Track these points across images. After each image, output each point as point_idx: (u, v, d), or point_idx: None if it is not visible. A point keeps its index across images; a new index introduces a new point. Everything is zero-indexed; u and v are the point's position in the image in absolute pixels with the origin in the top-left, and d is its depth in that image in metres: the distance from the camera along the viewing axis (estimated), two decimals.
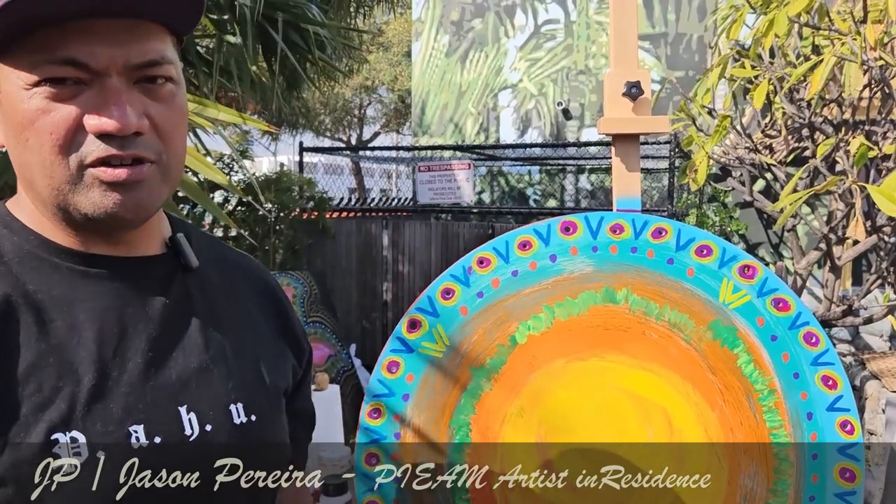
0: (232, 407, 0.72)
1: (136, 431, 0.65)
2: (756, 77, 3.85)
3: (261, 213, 4.48)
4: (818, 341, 1.18)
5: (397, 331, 1.22)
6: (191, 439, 0.68)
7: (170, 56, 0.68)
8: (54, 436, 0.62)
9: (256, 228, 4.54)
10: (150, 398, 0.67)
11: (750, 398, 1.19)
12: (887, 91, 3.86)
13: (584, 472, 1.21)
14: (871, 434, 3.58)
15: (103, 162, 0.64)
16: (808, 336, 1.19)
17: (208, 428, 0.70)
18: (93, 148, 0.64)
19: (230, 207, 4.54)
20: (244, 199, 4.49)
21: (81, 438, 0.62)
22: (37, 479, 0.60)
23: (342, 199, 5.44)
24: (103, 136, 0.63)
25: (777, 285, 1.19)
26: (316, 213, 4.86)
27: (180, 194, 3.78)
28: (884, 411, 3.25)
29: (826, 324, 4.23)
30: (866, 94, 3.94)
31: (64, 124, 0.63)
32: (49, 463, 0.61)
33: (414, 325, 1.21)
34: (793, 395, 1.18)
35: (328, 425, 1.97)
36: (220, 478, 0.70)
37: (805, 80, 3.69)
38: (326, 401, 2.15)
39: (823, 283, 4.35)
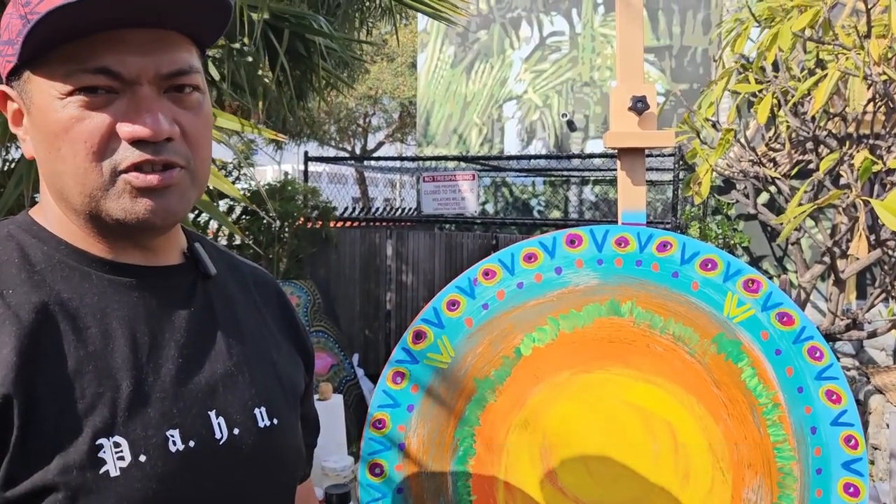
0: (256, 411, 0.75)
1: (172, 436, 0.67)
2: (760, 91, 3.86)
3: (265, 221, 4.49)
4: (822, 356, 1.19)
5: (402, 342, 1.22)
6: (221, 443, 0.70)
7: (196, 66, 0.71)
8: (99, 441, 0.63)
9: (260, 237, 4.55)
10: (183, 403, 0.69)
11: (754, 412, 1.19)
12: (891, 105, 3.87)
13: (588, 484, 1.21)
14: (876, 449, 3.57)
15: (136, 168, 0.66)
16: (812, 350, 1.19)
17: (236, 431, 0.72)
18: (127, 154, 0.66)
19: (234, 216, 4.55)
20: (249, 208, 4.51)
21: (124, 443, 0.64)
22: (84, 484, 0.61)
23: (346, 208, 5.45)
24: (136, 143, 0.65)
25: (781, 299, 1.19)
26: (321, 223, 4.87)
27: None
28: (888, 426, 3.24)
29: (830, 338, 4.23)
30: (870, 108, 3.95)
31: (98, 132, 0.65)
32: (96, 468, 0.62)
33: (419, 336, 1.22)
34: (797, 409, 1.19)
35: (331, 435, 1.97)
36: (247, 480, 0.72)
37: (809, 94, 3.70)
38: (330, 410, 2.16)
39: (827, 296, 4.35)
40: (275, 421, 0.76)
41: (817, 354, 1.19)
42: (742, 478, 1.20)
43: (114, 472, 0.63)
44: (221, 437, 0.70)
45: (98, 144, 0.65)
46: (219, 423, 0.71)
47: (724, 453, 1.20)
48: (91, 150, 0.65)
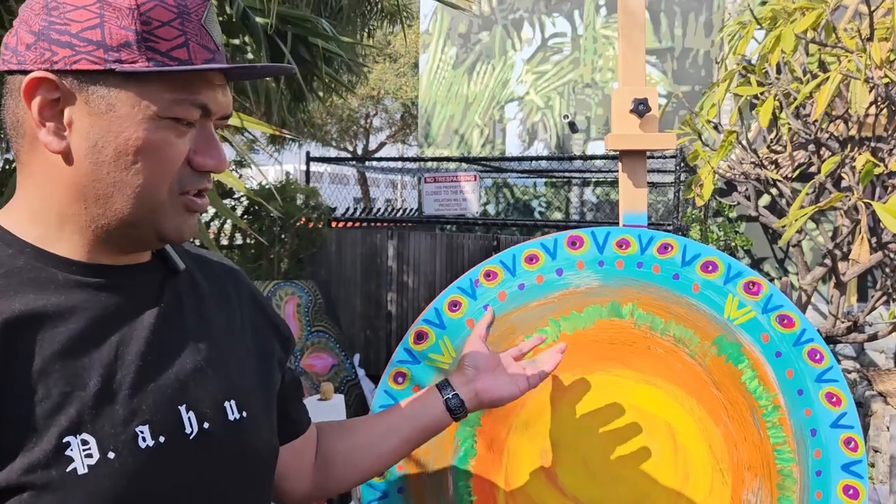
0: (226, 404, 0.76)
1: (142, 432, 0.68)
2: (762, 93, 3.86)
3: (267, 221, 4.50)
4: (822, 358, 1.19)
5: (404, 342, 1.23)
6: (191, 437, 0.71)
7: None
8: (66, 439, 0.63)
9: (262, 239, 4.56)
10: (152, 399, 0.70)
11: (754, 414, 1.20)
12: (893, 108, 3.87)
13: (588, 486, 1.21)
14: (876, 451, 3.57)
15: (198, 192, 0.74)
16: (812, 353, 1.19)
17: (206, 425, 0.73)
18: (196, 180, 0.73)
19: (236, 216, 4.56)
20: (250, 208, 4.52)
21: (92, 440, 0.65)
22: (51, 482, 0.62)
23: (348, 208, 5.46)
24: (203, 171, 0.73)
25: (782, 302, 1.20)
26: (322, 224, 4.88)
27: None
28: (888, 429, 3.24)
29: (831, 340, 4.23)
30: (872, 110, 3.95)
31: (179, 158, 0.71)
32: (63, 466, 0.63)
33: (421, 336, 1.22)
34: (797, 411, 1.19)
35: None
36: (219, 473, 0.73)
37: (811, 97, 3.70)
38: (331, 410, 2.16)
39: (828, 299, 4.35)
40: (244, 414, 0.77)
41: (817, 357, 1.19)
42: (742, 479, 1.20)
43: (81, 470, 0.63)
44: (192, 432, 0.71)
45: (178, 170, 0.71)
46: (189, 418, 0.71)
47: (724, 455, 1.20)
48: (169, 173, 0.71)
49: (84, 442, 0.64)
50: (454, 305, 1.23)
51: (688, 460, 1.21)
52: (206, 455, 0.72)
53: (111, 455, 0.65)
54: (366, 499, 1.22)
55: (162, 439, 0.69)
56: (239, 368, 0.81)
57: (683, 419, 1.21)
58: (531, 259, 1.23)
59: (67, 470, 0.63)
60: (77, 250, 0.71)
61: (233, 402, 0.77)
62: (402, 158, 5.55)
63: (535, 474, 1.22)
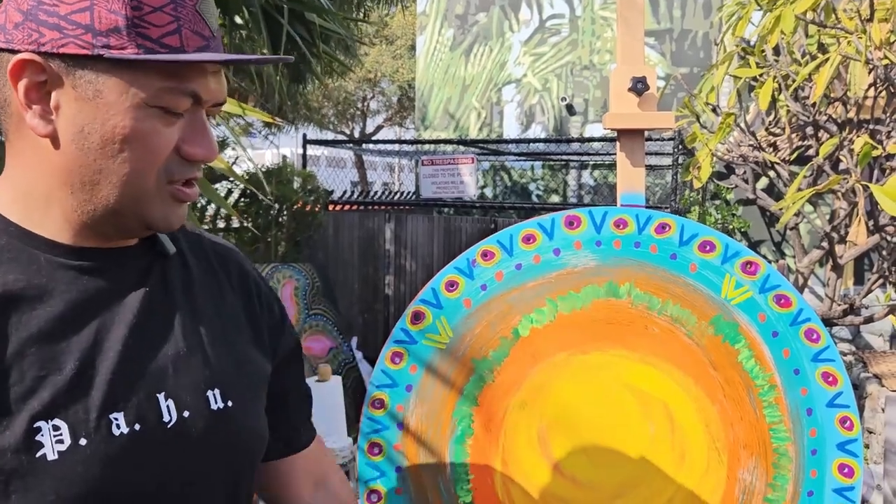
0: (209, 393, 0.74)
1: (116, 419, 0.66)
2: (761, 75, 3.85)
3: (264, 203, 4.48)
4: (819, 338, 1.19)
5: (401, 322, 1.23)
6: (169, 426, 0.70)
7: None
8: (37, 424, 0.62)
9: (258, 220, 4.55)
10: (129, 386, 0.68)
11: (750, 393, 1.20)
12: (892, 90, 3.86)
13: (585, 465, 1.22)
14: (871, 433, 3.59)
15: (186, 182, 0.72)
16: (808, 332, 1.19)
17: (186, 414, 0.71)
18: (184, 170, 0.71)
19: (232, 200, 4.55)
20: (247, 192, 4.50)
21: (64, 426, 0.63)
22: (20, 468, 0.61)
23: (344, 192, 5.45)
24: (192, 160, 0.71)
25: (779, 282, 1.20)
26: (319, 208, 4.87)
27: None
28: (883, 410, 3.26)
29: (827, 322, 4.24)
30: (871, 93, 3.94)
31: (167, 147, 0.69)
32: (33, 451, 0.62)
33: (418, 316, 1.22)
34: (793, 390, 1.19)
35: (331, 416, 1.98)
36: (198, 464, 0.72)
37: (810, 79, 3.69)
38: (329, 392, 2.17)
39: (825, 281, 4.36)
40: (229, 403, 0.75)
41: (814, 336, 1.19)
42: (738, 458, 1.21)
43: (51, 456, 0.62)
44: (170, 420, 0.70)
45: (165, 159, 0.69)
46: (167, 406, 0.70)
47: (720, 434, 1.21)
48: (156, 162, 0.69)
49: (56, 427, 0.63)
50: (451, 285, 1.22)
51: (684, 439, 1.21)
52: (185, 444, 0.70)
53: (83, 441, 0.64)
54: (364, 477, 1.22)
55: (137, 427, 0.67)
56: (227, 356, 0.78)
57: (680, 399, 1.21)
58: (528, 239, 1.23)
59: (37, 455, 0.62)
60: (62, 233, 0.70)
61: (217, 390, 0.74)
62: (398, 141, 5.51)
63: (532, 454, 1.22)
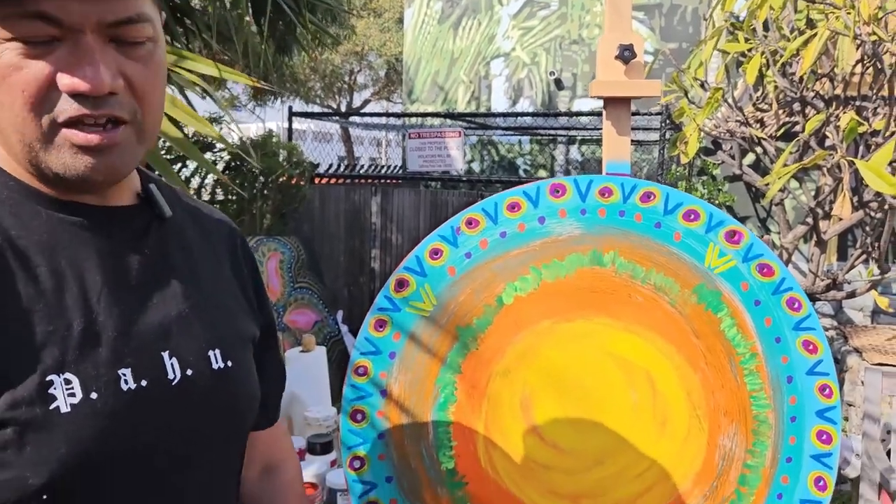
0: (210, 353, 0.75)
1: (124, 374, 0.66)
2: (749, 51, 3.84)
3: (249, 175, 4.44)
4: (800, 306, 1.20)
5: (385, 290, 1.22)
6: (174, 383, 0.70)
7: (147, 13, 0.67)
8: (49, 377, 0.62)
9: (243, 193, 4.51)
10: (134, 343, 0.68)
11: (732, 361, 1.21)
12: (879, 66, 3.86)
13: (567, 431, 1.22)
14: (850, 405, 3.64)
15: (76, 122, 0.63)
16: (790, 301, 1.20)
17: (189, 372, 0.72)
18: (65, 107, 0.63)
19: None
20: (231, 163, 4.46)
21: (75, 380, 0.63)
22: (34, 419, 0.61)
23: (330, 165, 5.41)
24: (76, 96, 0.63)
25: (762, 251, 1.20)
26: (304, 181, 4.83)
27: (171, 155, 3.74)
28: (862, 383, 3.30)
29: (810, 297, 4.28)
30: (858, 69, 3.94)
31: (35, 82, 0.62)
32: (47, 403, 0.62)
33: (402, 284, 1.22)
34: (774, 358, 1.20)
35: (315, 386, 1.99)
36: (200, 421, 0.73)
37: (798, 55, 3.68)
38: (313, 362, 2.17)
39: (809, 257, 4.39)
40: (229, 363, 0.76)
41: (796, 305, 1.20)
42: (718, 425, 1.22)
43: (64, 409, 0.62)
44: (174, 378, 0.70)
45: (36, 95, 0.62)
46: (172, 364, 0.70)
47: (702, 401, 1.22)
48: (29, 101, 0.62)
49: (67, 381, 0.63)
50: (435, 253, 1.22)
51: (666, 407, 1.22)
52: (188, 401, 0.71)
53: (94, 395, 0.64)
54: (347, 444, 1.22)
55: (144, 383, 0.68)
56: (225, 318, 0.79)
57: (662, 366, 1.22)
58: (513, 207, 1.22)
59: (51, 408, 0.62)
60: (48, 188, 0.68)
61: (217, 351, 0.75)
62: (384, 114, 5.46)
63: (515, 421, 1.23)
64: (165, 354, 0.70)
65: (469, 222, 1.22)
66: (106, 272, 0.69)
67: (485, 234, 1.21)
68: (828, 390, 1.20)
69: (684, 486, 1.22)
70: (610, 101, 1.23)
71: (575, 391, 1.23)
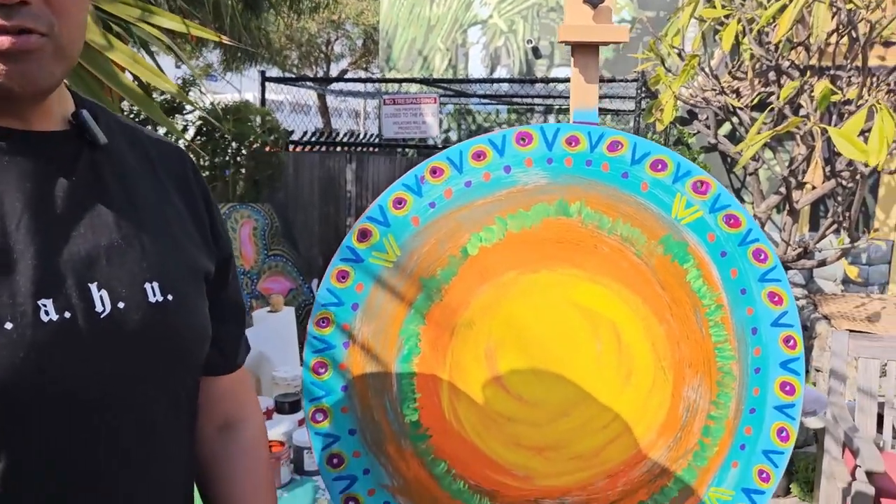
0: (147, 285, 0.70)
1: (44, 305, 0.63)
2: (726, 17, 3.82)
3: (222, 142, 4.37)
4: (767, 258, 1.19)
5: (347, 240, 1.19)
6: (102, 316, 0.66)
7: None
8: None
9: (215, 159, 4.44)
10: (57, 274, 0.65)
11: (697, 313, 1.20)
12: (854, 36, 3.86)
13: (532, 383, 1.22)
14: (818, 371, 3.70)
15: None
16: (757, 252, 1.19)
17: (121, 305, 0.68)
18: None
19: (188, 137, 4.41)
20: (203, 129, 4.38)
21: None
22: None
23: (305, 132, 5.33)
24: None
25: (729, 202, 1.19)
26: (279, 148, 4.76)
27: (132, 114, 3.65)
28: (830, 348, 3.36)
29: (782, 266, 4.32)
30: (833, 39, 3.94)
31: None
32: None
33: (364, 234, 1.19)
34: (739, 310, 1.20)
35: (283, 346, 1.97)
36: (134, 356, 0.69)
37: (774, 22, 3.67)
38: (282, 322, 2.14)
39: (782, 226, 4.42)
40: (169, 297, 0.72)
41: (762, 256, 1.20)
42: (683, 377, 1.22)
43: None
44: (103, 311, 0.66)
45: None
46: (101, 296, 0.67)
47: (667, 353, 1.21)
48: None
49: None
50: (399, 203, 1.19)
51: (631, 358, 1.21)
52: (120, 336, 0.67)
53: (8, 325, 0.60)
54: (310, 396, 1.20)
55: (68, 315, 0.64)
56: (168, 250, 0.75)
57: (628, 318, 1.21)
58: (479, 156, 1.19)
59: None
60: None
61: (156, 283, 0.71)
62: (359, 80, 5.36)
63: (480, 373, 1.22)
64: (93, 286, 0.66)
65: (433, 171, 1.19)
66: (27, 199, 0.65)
67: (449, 183, 1.19)
68: (792, 342, 1.20)
69: (648, 437, 1.22)
70: (578, 47, 1.20)
71: (540, 343, 1.21)
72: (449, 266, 1.20)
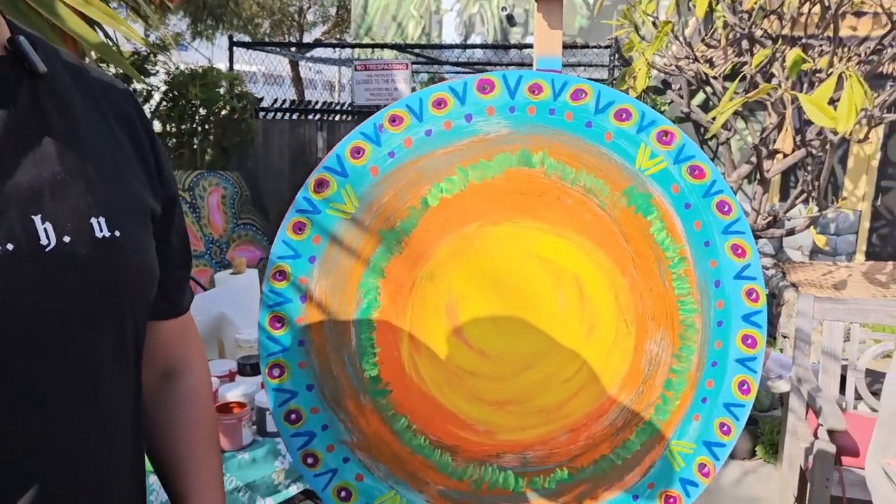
0: (93, 220, 0.68)
1: None
2: None
3: (189, 108, 4.27)
4: (731, 210, 1.18)
5: (303, 190, 1.16)
6: (47, 249, 0.63)
7: None
8: None
9: (182, 126, 4.34)
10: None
11: (660, 265, 1.19)
12: (826, 5, 3.86)
13: (493, 337, 1.20)
14: (785, 337, 3.75)
15: None
16: (721, 204, 1.18)
17: (66, 239, 0.65)
18: None
19: (153, 102, 4.31)
20: (169, 93, 4.27)
21: None
22: None
23: (276, 100, 5.23)
24: None
25: (694, 152, 1.17)
26: (248, 115, 4.67)
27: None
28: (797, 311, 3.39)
29: (752, 235, 4.35)
30: (805, 9, 3.94)
31: None
32: None
33: (321, 184, 1.16)
34: (702, 263, 1.19)
35: (245, 309, 1.93)
36: (81, 291, 0.66)
37: None
38: (244, 285, 2.11)
39: (752, 196, 4.45)
40: (117, 233, 0.69)
41: (726, 208, 1.18)
42: (645, 330, 1.21)
43: None
44: (48, 244, 0.64)
45: None
46: (45, 229, 0.64)
47: (629, 306, 1.20)
48: None
49: None
50: (357, 152, 1.16)
51: (593, 311, 1.20)
52: (66, 270, 0.65)
53: None
54: (266, 351, 1.17)
55: (10, 247, 0.61)
56: (114, 185, 0.72)
57: (591, 271, 1.19)
58: (439, 104, 1.16)
59: None
60: None
61: (102, 219, 0.68)
62: (330, 44, 5.26)
63: (441, 327, 1.19)
64: (37, 218, 0.63)
65: (392, 119, 1.16)
66: None
67: (409, 132, 1.16)
68: (754, 294, 1.19)
69: (610, 390, 1.21)
70: None
71: (502, 296, 1.19)
72: (409, 218, 1.17)
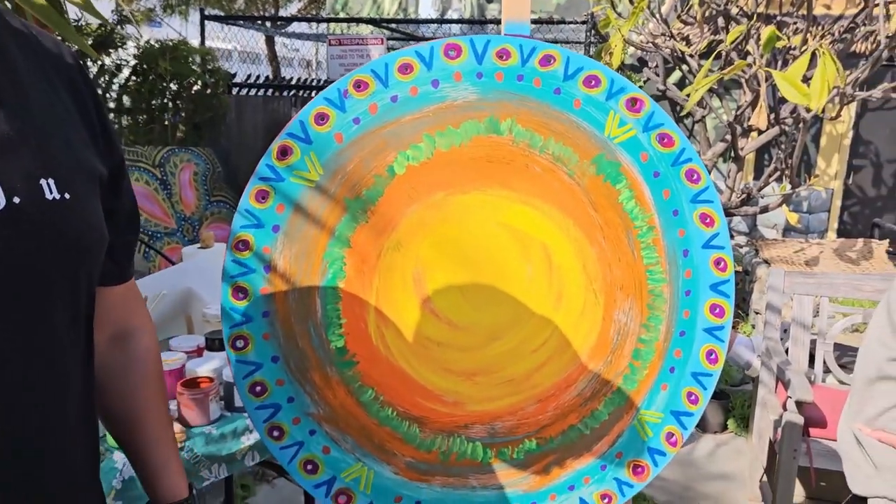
0: (42, 181, 0.67)
1: None
2: None
3: (159, 83, 4.18)
4: (699, 178, 1.17)
5: (266, 157, 1.13)
6: None
7: None
8: None
9: (152, 101, 4.25)
10: None
11: (629, 234, 1.18)
12: None
13: (461, 307, 1.19)
14: (757, 314, 3.79)
15: None
16: (689, 173, 1.17)
17: (16, 200, 0.64)
18: None
19: (122, 77, 4.22)
20: (138, 68, 4.18)
21: None
22: None
23: (249, 75, 5.14)
24: None
25: (663, 120, 1.16)
26: (221, 90, 4.59)
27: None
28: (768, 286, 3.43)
29: (725, 213, 4.38)
30: None
31: None
32: None
33: (285, 151, 1.13)
34: (671, 232, 1.18)
35: (214, 283, 1.89)
36: (31, 252, 0.65)
37: None
38: (212, 259, 2.07)
39: (726, 174, 4.47)
40: (66, 196, 0.68)
41: (695, 177, 1.17)
42: (614, 299, 1.20)
43: None
44: None
45: None
46: None
47: (598, 275, 1.19)
48: None
49: None
50: (321, 118, 1.13)
51: (562, 281, 1.19)
52: (16, 232, 0.64)
53: None
54: (229, 322, 1.15)
55: None
56: (62, 148, 0.71)
57: (559, 240, 1.18)
58: (405, 69, 1.13)
59: None
60: None
61: (51, 180, 0.67)
62: (304, 19, 5.16)
63: (408, 297, 1.18)
64: None
65: (357, 84, 1.13)
66: None
67: (374, 97, 1.13)
68: (723, 264, 1.19)
69: (579, 360, 1.21)
70: None
71: (470, 265, 1.18)
72: (375, 186, 1.14)
